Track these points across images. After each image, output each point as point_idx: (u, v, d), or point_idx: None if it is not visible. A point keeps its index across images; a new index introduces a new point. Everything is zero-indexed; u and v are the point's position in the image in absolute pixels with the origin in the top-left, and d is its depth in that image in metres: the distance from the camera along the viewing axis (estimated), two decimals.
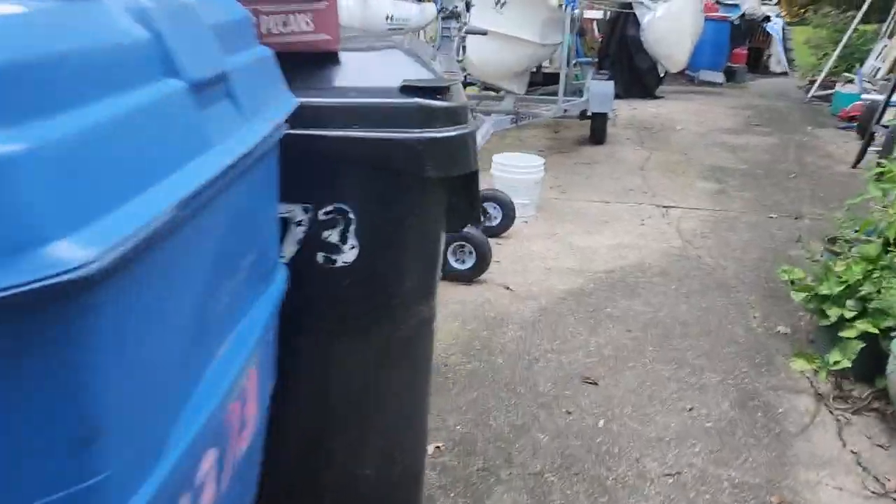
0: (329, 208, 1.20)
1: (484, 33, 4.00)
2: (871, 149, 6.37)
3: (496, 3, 4.52)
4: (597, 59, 10.52)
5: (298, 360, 1.26)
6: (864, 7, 10.21)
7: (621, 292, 3.55)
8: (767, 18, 13.18)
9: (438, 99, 1.19)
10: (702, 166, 6.26)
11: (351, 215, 1.19)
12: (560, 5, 5.36)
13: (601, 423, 2.43)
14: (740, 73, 12.60)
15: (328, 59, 1.28)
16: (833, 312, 2.67)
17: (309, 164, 1.17)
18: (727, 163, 6.42)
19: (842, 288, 2.69)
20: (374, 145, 1.16)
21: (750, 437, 2.40)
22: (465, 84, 7.19)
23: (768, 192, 5.51)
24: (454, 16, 3.62)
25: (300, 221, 1.21)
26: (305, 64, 1.23)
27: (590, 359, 2.88)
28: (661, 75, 10.17)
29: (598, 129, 6.92)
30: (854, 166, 6.35)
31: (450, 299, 3.39)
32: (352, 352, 1.35)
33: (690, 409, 2.53)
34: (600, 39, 10.93)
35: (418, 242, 1.31)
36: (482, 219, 4.19)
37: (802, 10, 37.33)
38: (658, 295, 3.53)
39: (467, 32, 3.82)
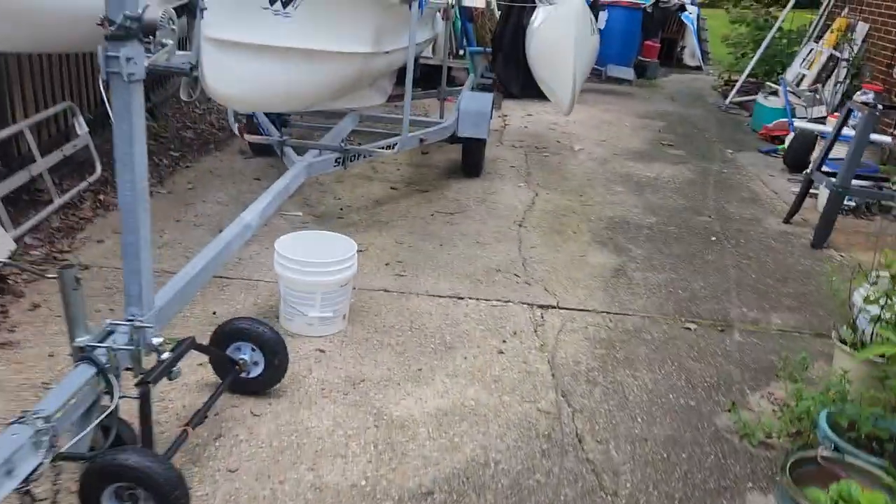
0: None
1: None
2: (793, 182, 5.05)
3: (269, 2, 2.75)
4: (490, 50, 8.94)
5: None
6: (790, 6, 8.97)
7: None
8: (682, 7, 11.88)
9: None
10: (599, 220, 4.76)
11: None
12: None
13: None
14: (652, 69, 11.29)
15: None
16: None
17: None
18: (632, 213, 4.94)
19: None
20: None
21: None
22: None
23: (683, 271, 4.05)
24: (128, 33, 1.84)
25: None
26: None
27: None
28: None
29: (470, 160, 5.31)
30: (787, 221, 5.00)
31: None
32: None
33: None
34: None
35: None
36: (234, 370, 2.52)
37: None
38: None
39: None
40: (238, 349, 2.52)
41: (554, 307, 3.49)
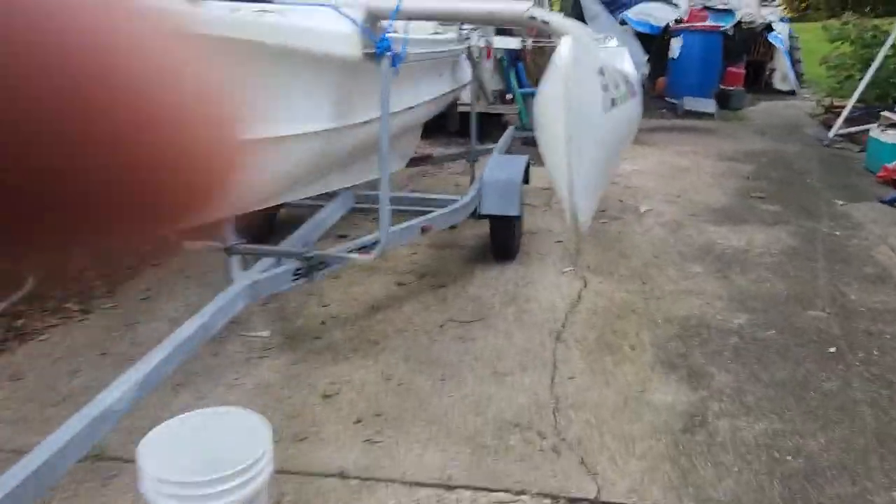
0: None
1: None
2: None
3: None
4: None
5: None
6: None
7: None
8: (769, 27, 10.43)
9: None
10: (668, 323, 3.53)
11: None
12: (370, 54, 2.64)
13: None
14: (737, 98, 9.89)
15: None
16: None
17: None
18: (714, 309, 3.69)
19: None
20: None
21: None
22: None
23: (791, 415, 2.78)
24: None
25: None
26: None
27: None
28: None
29: (499, 242, 4.20)
30: None
31: None
32: None
33: None
34: None
35: None
36: None
37: (804, 5, 34.69)
38: None
39: None
40: None
41: (591, 502, 2.30)
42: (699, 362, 3.17)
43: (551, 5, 10.57)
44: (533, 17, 2.58)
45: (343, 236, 4.41)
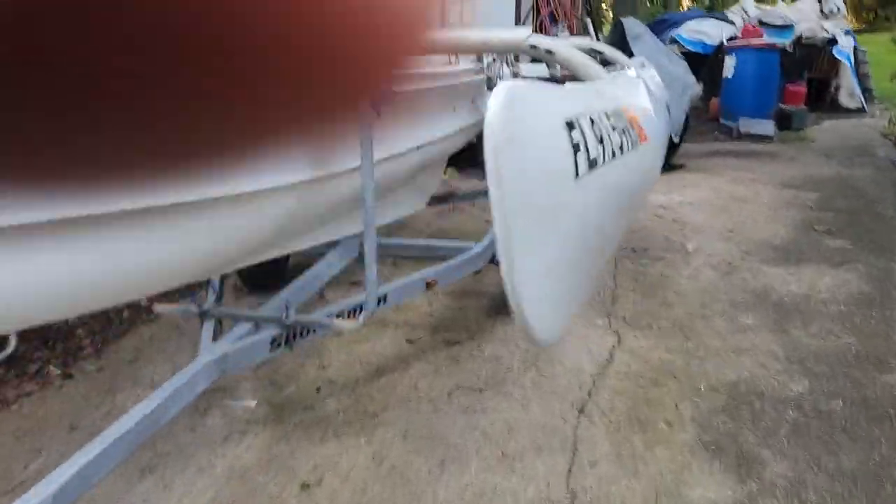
0: None
1: None
2: None
3: None
4: None
5: None
6: None
7: None
8: (833, 41, 9.74)
9: None
10: (713, 391, 3.04)
11: None
12: None
13: None
14: (798, 117, 9.22)
15: None
16: None
17: None
18: (768, 372, 3.18)
19: None
20: None
21: None
22: None
23: None
24: None
25: None
26: None
27: None
28: (678, 137, 6.97)
29: None
30: None
31: None
32: None
33: None
34: None
35: None
36: None
37: (871, 16, 33.09)
38: None
39: None
40: None
41: None
42: (749, 443, 2.67)
43: (598, 31, 10.15)
44: (534, 47, 2.20)
45: (357, 283, 4.08)
